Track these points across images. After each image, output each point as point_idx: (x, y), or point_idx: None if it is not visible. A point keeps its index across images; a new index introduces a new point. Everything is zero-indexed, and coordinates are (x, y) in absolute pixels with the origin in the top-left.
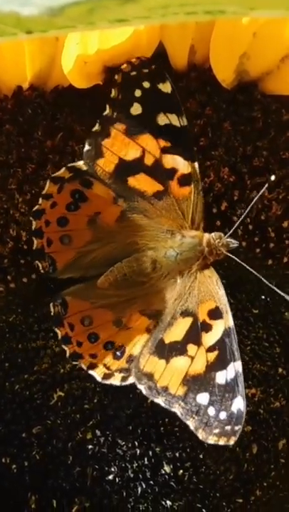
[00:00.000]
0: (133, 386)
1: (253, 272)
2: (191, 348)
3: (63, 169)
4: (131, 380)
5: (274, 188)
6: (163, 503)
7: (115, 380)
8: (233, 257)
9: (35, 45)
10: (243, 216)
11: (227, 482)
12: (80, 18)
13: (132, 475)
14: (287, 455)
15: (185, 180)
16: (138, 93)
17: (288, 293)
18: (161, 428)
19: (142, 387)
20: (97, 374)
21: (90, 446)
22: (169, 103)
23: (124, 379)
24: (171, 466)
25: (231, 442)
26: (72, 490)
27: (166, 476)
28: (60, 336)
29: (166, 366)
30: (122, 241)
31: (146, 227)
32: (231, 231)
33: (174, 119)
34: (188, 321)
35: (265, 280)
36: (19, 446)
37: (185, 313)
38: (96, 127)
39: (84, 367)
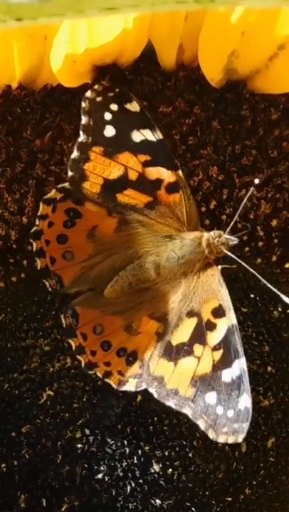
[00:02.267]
0: None
1: (251, 269)
2: (197, 348)
3: (54, 191)
4: (145, 385)
5: (263, 187)
6: (152, 501)
7: (130, 386)
8: (233, 255)
9: (24, 44)
10: (238, 212)
11: (216, 481)
12: (69, 5)
13: (121, 474)
14: (276, 454)
15: (172, 187)
16: (108, 116)
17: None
18: (151, 427)
19: (153, 391)
20: (113, 382)
21: (79, 445)
22: (141, 120)
23: (138, 384)
24: (161, 465)
25: (240, 440)
26: (62, 489)
27: (156, 475)
28: (74, 347)
29: (175, 368)
30: (124, 250)
31: (145, 235)
32: (228, 228)
33: (148, 135)
34: (194, 321)
35: (262, 278)
36: (8, 445)
37: (190, 314)
38: (74, 154)
39: (100, 375)
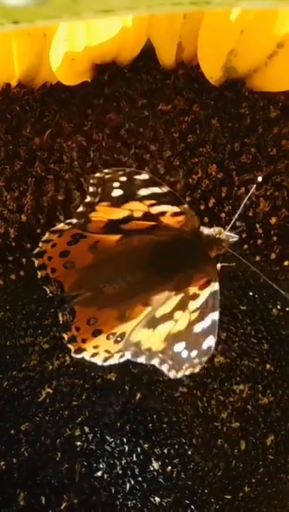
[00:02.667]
0: (122, 383)
1: (251, 266)
2: (177, 314)
3: (62, 224)
4: (126, 355)
5: (262, 185)
6: (151, 499)
7: (114, 360)
8: (234, 252)
9: (23, 42)
10: (239, 210)
11: (215, 478)
12: (65, 8)
13: (120, 471)
14: (276, 451)
15: (177, 214)
16: (116, 184)
17: (275, 290)
18: (150, 425)
19: (128, 353)
20: (99, 359)
21: (78, 443)
22: (148, 183)
23: (121, 357)
24: (160, 463)
25: (196, 370)
26: (61, 487)
27: (155, 473)
28: (66, 339)
29: (153, 333)
30: (125, 257)
31: (147, 243)
32: (230, 225)
33: (155, 189)
34: (180, 295)
35: (262, 275)
36: (7, 443)
37: (178, 293)
38: (81, 209)
39: (87, 358)
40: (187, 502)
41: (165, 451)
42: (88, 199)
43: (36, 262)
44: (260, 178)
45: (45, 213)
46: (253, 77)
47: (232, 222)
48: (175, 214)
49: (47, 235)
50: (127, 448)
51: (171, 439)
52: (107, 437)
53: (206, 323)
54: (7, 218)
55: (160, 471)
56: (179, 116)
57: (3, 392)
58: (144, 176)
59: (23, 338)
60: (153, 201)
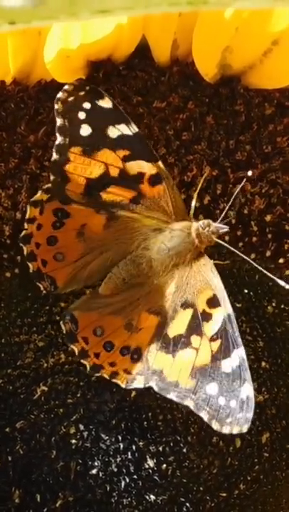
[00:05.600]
0: None
1: (246, 257)
2: (195, 340)
3: (40, 192)
4: (152, 385)
5: (257, 182)
6: (146, 497)
7: (139, 384)
8: (225, 244)
9: (18, 40)
10: (231, 201)
11: (210, 476)
12: (62, 8)
13: (115, 469)
14: (271, 449)
15: (155, 180)
16: (82, 115)
17: (270, 288)
18: (145, 422)
19: (153, 385)
20: (120, 381)
21: (73, 441)
22: (115, 115)
23: (146, 384)
24: (155, 461)
25: (244, 430)
26: (56, 484)
27: (150, 471)
28: (77, 352)
29: (173, 361)
30: (114, 247)
31: (134, 229)
32: (221, 218)
33: (124, 129)
34: (189, 312)
35: (256, 265)
36: (3, 440)
37: (185, 305)
38: (54, 156)
39: (106, 377)
40: (182, 500)
41: (160, 448)
42: (58, 139)
43: (25, 249)
44: (250, 173)
45: None
46: (248, 74)
47: (222, 214)
48: (153, 179)
49: (29, 210)
50: (122, 446)
51: (166, 437)
52: (102, 435)
53: (234, 361)
54: (2, 216)
55: (155, 468)
56: (173, 114)
57: None
58: (108, 103)
59: (18, 336)
60: (126, 151)
